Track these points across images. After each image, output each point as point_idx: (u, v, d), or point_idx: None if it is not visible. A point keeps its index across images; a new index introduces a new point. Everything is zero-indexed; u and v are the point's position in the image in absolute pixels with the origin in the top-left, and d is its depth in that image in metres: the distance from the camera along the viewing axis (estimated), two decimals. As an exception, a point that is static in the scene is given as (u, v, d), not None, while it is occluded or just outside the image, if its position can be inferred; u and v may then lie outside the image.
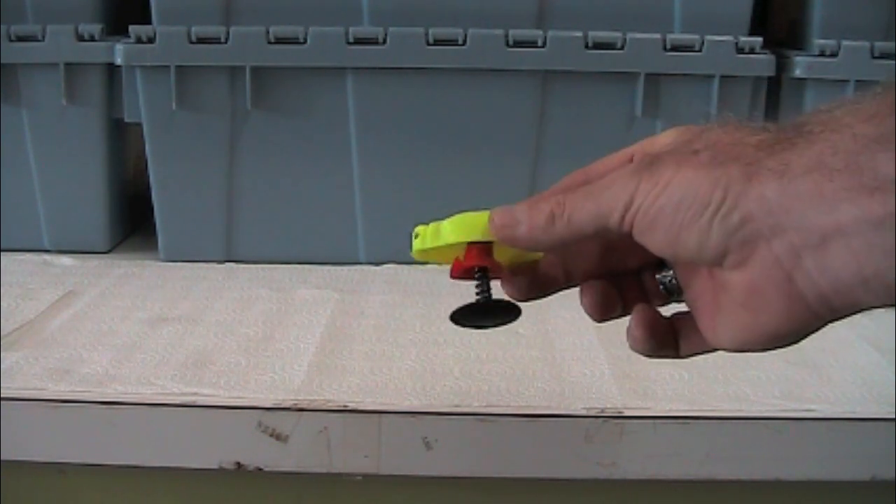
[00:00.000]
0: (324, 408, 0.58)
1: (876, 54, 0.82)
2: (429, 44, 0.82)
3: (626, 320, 0.41)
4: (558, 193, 0.38)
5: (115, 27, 0.87)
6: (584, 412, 0.58)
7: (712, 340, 0.37)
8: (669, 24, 0.84)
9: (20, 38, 0.84)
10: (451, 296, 0.72)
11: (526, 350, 0.68)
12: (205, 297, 0.79)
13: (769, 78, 0.84)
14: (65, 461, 0.60)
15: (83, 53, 0.85)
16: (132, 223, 0.97)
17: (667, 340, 0.40)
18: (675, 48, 0.82)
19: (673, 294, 0.41)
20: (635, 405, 0.59)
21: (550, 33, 0.82)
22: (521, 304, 0.42)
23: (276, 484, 0.61)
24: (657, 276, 0.41)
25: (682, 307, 0.40)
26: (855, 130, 0.31)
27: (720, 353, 0.39)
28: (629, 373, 0.64)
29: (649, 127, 0.84)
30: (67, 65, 0.85)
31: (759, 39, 0.83)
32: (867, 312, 0.33)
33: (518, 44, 0.82)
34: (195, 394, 0.60)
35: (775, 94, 0.85)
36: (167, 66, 0.83)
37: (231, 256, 0.89)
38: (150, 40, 0.82)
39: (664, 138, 0.39)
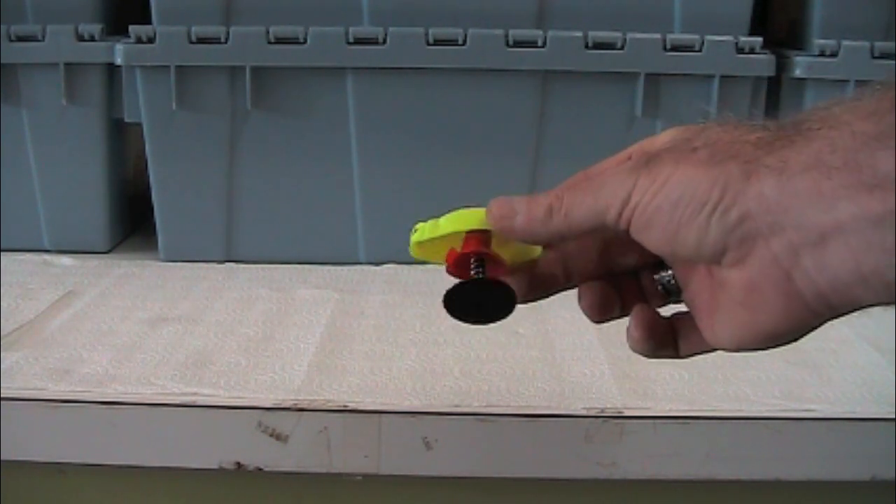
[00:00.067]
0: (324, 408, 0.58)
1: (876, 54, 0.82)
2: (429, 44, 0.82)
3: (626, 320, 0.41)
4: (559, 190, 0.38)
5: (115, 27, 0.87)
6: (584, 412, 0.58)
7: (711, 339, 0.37)
8: (669, 24, 0.84)
9: (20, 38, 0.84)
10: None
11: (526, 350, 0.68)
12: (205, 297, 0.79)
13: (769, 78, 0.84)
14: (65, 461, 0.60)
15: (83, 53, 0.85)
16: (132, 223, 0.97)
17: (666, 340, 0.40)
18: (675, 48, 0.82)
19: (671, 294, 0.41)
20: (635, 405, 0.59)
21: (550, 33, 0.82)
22: (520, 307, 0.42)
23: (276, 484, 0.61)
24: (655, 276, 0.41)
25: (682, 307, 0.40)
26: (854, 128, 0.31)
27: (720, 353, 0.39)
28: (629, 373, 0.64)
29: (649, 127, 0.84)
30: (67, 65, 0.85)
31: (759, 39, 0.83)
32: (867, 312, 0.33)
33: (518, 44, 0.82)
34: (195, 394, 0.60)
35: (775, 94, 0.85)
36: (167, 66, 0.83)
37: (231, 256, 0.89)
38: (150, 40, 0.82)
39: (663, 137, 0.39)
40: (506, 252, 0.41)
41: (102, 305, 0.76)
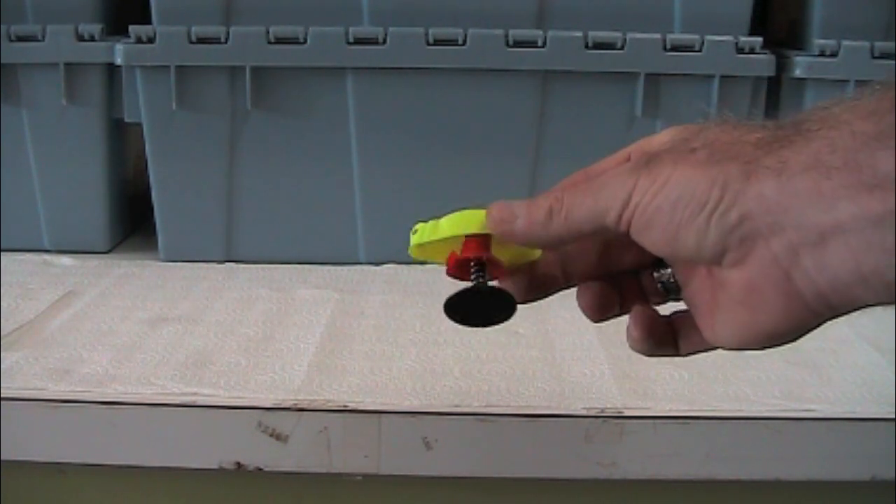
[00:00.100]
0: (324, 408, 0.58)
1: (876, 54, 0.82)
2: (429, 44, 0.82)
3: (627, 320, 0.41)
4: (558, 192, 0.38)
5: (115, 27, 0.87)
6: (584, 412, 0.58)
7: (711, 339, 0.37)
8: (669, 24, 0.84)
9: (20, 38, 0.84)
10: (451, 296, 0.72)
11: (526, 350, 0.68)
12: (205, 297, 0.79)
13: (769, 78, 0.84)
14: (65, 461, 0.60)
15: (83, 53, 0.85)
16: (132, 223, 0.97)
17: (665, 339, 0.40)
18: (675, 48, 0.82)
19: (671, 292, 0.41)
20: (635, 405, 0.59)
21: (550, 33, 0.82)
22: (520, 307, 0.42)
23: (276, 484, 0.61)
24: (655, 274, 0.41)
25: (682, 306, 0.40)
26: (854, 128, 0.31)
27: (720, 352, 0.39)
28: (629, 373, 0.64)
29: (649, 127, 0.84)
30: (67, 65, 0.85)
31: (759, 39, 0.83)
32: (867, 312, 0.33)
33: (518, 44, 0.82)
34: (195, 394, 0.60)
35: (775, 94, 0.85)
36: (167, 66, 0.83)
37: (231, 256, 0.89)
38: (150, 40, 0.82)
39: (662, 137, 0.39)
40: (505, 254, 0.41)
41: (102, 305, 0.76)
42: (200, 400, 0.59)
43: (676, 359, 0.41)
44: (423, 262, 0.44)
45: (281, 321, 0.73)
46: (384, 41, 0.82)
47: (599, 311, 0.41)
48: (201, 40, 0.82)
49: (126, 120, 0.87)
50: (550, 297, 0.43)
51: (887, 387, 0.62)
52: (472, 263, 0.41)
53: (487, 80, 0.83)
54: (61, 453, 0.59)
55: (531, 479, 0.60)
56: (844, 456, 0.58)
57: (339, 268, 0.87)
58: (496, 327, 0.43)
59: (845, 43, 0.82)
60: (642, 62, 0.83)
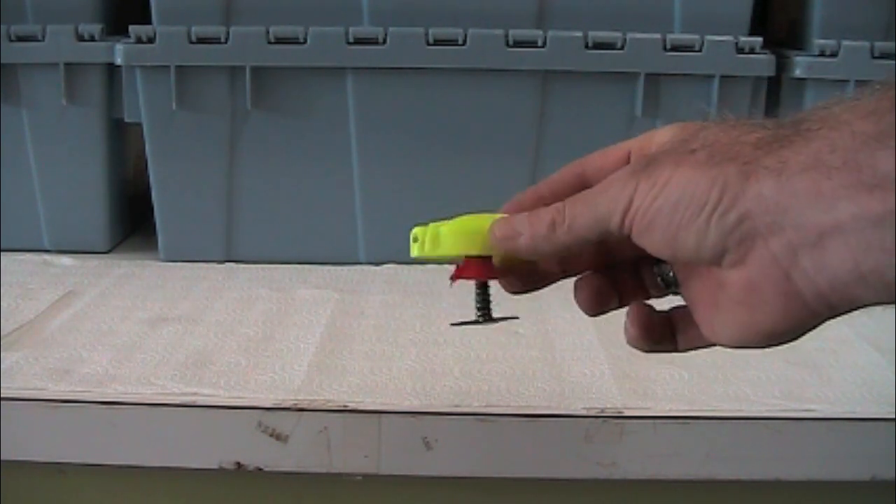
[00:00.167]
0: (324, 408, 0.58)
1: (876, 54, 0.82)
2: (429, 44, 0.82)
3: (627, 319, 0.41)
4: (553, 184, 0.37)
5: (115, 27, 0.87)
6: (584, 412, 0.58)
7: (710, 337, 0.37)
8: (669, 24, 0.84)
9: (20, 38, 0.84)
10: (452, 295, 0.72)
11: (526, 350, 0.68)
12: (205, 297, 0.79)
13: (769, 78, 0.84)
14: (65, 461, 0.60)
15: (83, 53, 0.85)
16: (132, 223, 0.97)
17: (664, 336, 0.40)
18: (675, 48, 0.82)
19: (671, 286, 0.41)
20: (635, 405, 0.59)
21: (550, 33, 0.82)
22: (521, 308, 0.42)
23: (276, 484, 0.61)
24: (655, 268, 0.41)
25: (680, 300, 0.40)
26: (853, 128, 0.31)
27: (720, 352, 0.39)
28: (629, 373, 0.64)
29: (649, 127, 0.81)
30: (67, 65, 0.85)
31: (759, 39, 0.83)
32: (867, 312, 0.33)
33: (518, 44, 0.82)
34: (195, 394, 0.60)
35: (775, 94, 0.85)
36: (167, 66, 0.83)
37: (231, 256, 0.89)
38: (150, 40, 0.82)
39: (662, 135, 0.39)
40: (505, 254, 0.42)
41: (102, 305, 0.76)
42: (200, 400, 0.59)
43: (676, 359, 0.41)
44: (423, 262, 0.44)
45: (281, 321, 0.73)
46: (384, 41, 0.82)
47: (597, 305, 0.41)
48: (201, 40, 0.82)
49: (126, 120, 0.87)
50: (550, 298, 0.43)
51: (887, 387, 0.62)
52: (475, 290, 0.42)
53: (487, 80, 0.83)
54: (61, 453, 0.59)
55: (531, 479, 0.60)
56: (844, 456, 0.58)
57: (339, 268, 0.87)
58: (496, 327, 0.43)
59: (845, 43, 0.82)
60: (642, 62, 0.83)
